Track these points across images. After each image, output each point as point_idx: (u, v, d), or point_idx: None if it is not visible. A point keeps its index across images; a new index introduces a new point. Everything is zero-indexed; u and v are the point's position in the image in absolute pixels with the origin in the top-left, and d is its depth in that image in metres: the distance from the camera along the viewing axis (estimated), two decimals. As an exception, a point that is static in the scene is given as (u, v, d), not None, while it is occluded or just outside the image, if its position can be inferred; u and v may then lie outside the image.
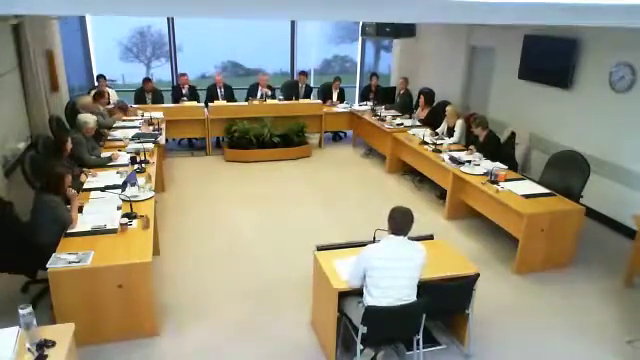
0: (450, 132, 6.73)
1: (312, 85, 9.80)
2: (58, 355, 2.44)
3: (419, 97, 8.08)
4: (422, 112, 7.91)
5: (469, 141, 6.28)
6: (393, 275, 2.99)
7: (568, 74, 6.13)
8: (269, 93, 8.54)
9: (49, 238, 3.61)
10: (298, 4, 2.24)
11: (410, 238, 3.10)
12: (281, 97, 8.63)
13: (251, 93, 8.57)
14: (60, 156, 4.76)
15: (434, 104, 7.97)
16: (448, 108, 6.90)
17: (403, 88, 8.73)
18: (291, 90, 8.91)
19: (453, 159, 5.70)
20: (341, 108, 8.87)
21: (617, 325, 3.94)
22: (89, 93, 7.94)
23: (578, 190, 4.88)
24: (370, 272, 3.00)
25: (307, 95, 9.05)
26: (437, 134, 6.83)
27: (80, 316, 3.25)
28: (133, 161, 5.25)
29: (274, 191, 6.61)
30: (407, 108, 8.38)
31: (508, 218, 4.73)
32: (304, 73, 9.09)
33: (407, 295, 3.03)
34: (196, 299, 4.12)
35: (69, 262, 3.30)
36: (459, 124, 6.65)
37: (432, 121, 7.43)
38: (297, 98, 8.80)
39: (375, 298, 3.00)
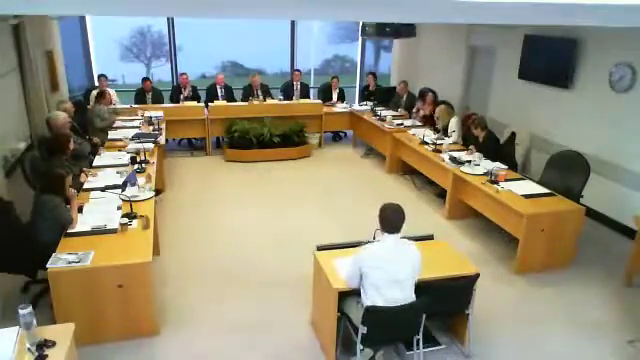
0: (445, 132, 6.73)
1: (312, 85, 9.76)
2: (58, 355, 2.44)
3: (423, 95, 8.05)
4: (428, 107, 7.86)
5: (469, 141, 6.28)
6: (390, 276, 2.95)
7: (568, 74, 6.13)
8: (268, 90, 8.53)
9: (49, 238, 3.60)
10: (298, 4, 2.24)
11: (410, 238, 3.09)
12: (281, 97, 8.62)
13: (247, 94, 8.56)
14: (60, 156, 4.76)
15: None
16: (438, 109, 6.90)
17: (405, 91, 8.71)
18: (289, 90, 8.91)
19: (453, 159, 5.70)
20: (341, 108, 8.87)
21: (617, 325, 3.94)
22: (89, 93, 7.96)
23: (578, 190, 4.88)
24: (367, 273, 2.97)
25: (305, 94, 9.01)
26: (438, 131, 6.83)
27: (80, 316, 3.25)
28: (133, 161, 5.26)
29: (274, 191, 6.61)
30: (411, 108, 8.37)
31: (508, 218, 4.73)
32: (297, 71, 9.08)
33: (405, 295, 3.00)
34: (196, 299, 4.12)
35: (69, 262, 3.30)
36: (454, 122, 6.64)
37: (434, 120, 7.41)
38: (290, 98, 8.72)
39: (371, 298, 2.98)
